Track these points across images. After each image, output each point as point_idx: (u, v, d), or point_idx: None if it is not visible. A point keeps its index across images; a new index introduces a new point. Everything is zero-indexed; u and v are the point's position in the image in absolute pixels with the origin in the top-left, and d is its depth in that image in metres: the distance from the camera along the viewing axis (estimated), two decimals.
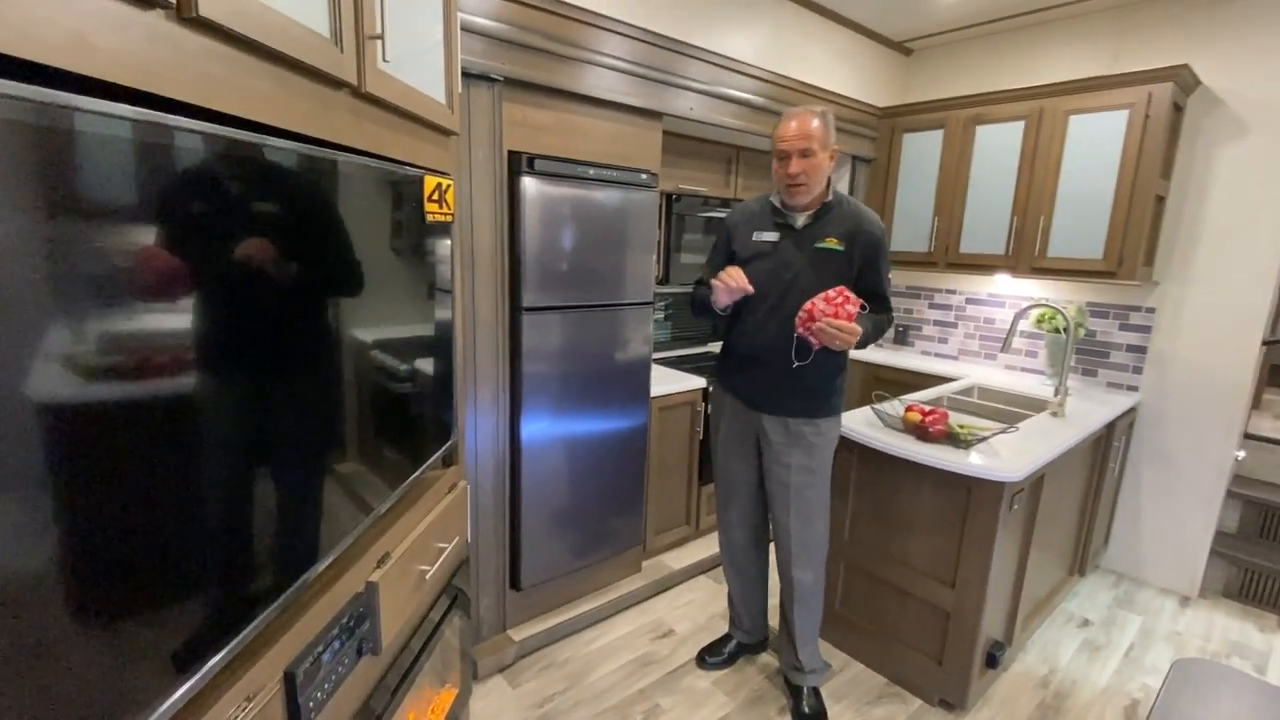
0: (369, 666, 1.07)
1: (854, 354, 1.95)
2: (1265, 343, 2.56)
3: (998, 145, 2.81)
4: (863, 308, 1.64)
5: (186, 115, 0.61)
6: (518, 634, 2.15)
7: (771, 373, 1.77)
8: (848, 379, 1.90)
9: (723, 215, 3.01)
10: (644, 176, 2.18)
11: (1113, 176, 2.48)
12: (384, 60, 0.96)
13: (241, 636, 0.74)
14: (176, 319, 0.65)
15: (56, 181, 0.51)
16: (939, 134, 2.99)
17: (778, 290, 1.73)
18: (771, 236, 1.78)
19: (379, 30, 0.93)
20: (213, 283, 0.69)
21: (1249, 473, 2.98)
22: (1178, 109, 2.48)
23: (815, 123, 1.66)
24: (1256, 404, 3.38)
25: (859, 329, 1.62)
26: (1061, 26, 2.87)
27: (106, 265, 0.56)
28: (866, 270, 1.75)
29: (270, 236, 0.79)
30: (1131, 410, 2.71)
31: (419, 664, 1.29)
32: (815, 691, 1.96)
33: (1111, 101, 2.46)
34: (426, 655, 1.33)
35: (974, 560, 1.87)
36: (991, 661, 2.03)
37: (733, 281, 1.68)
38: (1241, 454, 2.72)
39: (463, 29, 1.57)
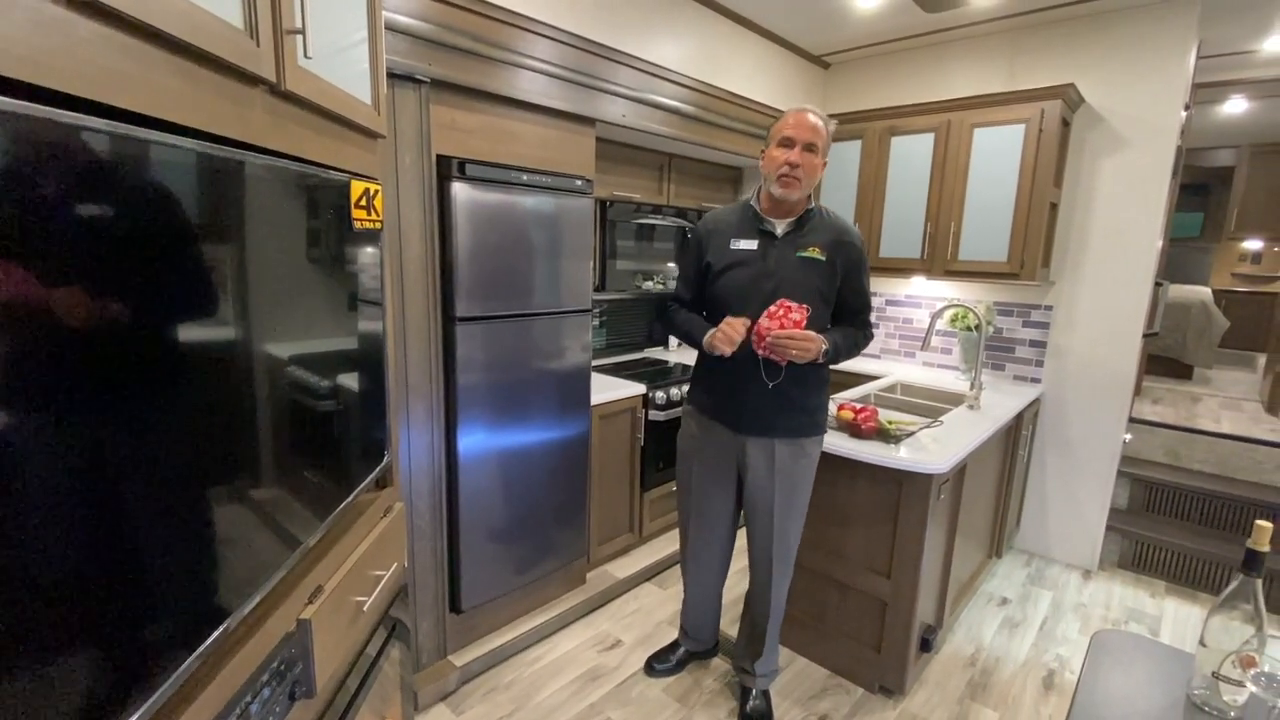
0: (302, 711, 0.99)
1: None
2: (1145, 335, 2.83)
3: (912, 155, 2.98)
4: (808, 311, 1.61)
5: (81, 112, 0.54)
6: (459, 659, 2.06)
7: (755, 392, 1.71)
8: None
9: (655, 222, 3.04)
10: (579, 183, 2.16)
11: (1013, 185, 2.68)
12: (305, 57, 0.89)
13: (156, 696, 0.66)
14: (53, 336, 0.57)
15: None
16: (858, 144, 3.14)
17: (759, 300, 1.65)
18: (750, 245, 1.71)
19: (299, 24, 0.87)
20: (93, 296, 0.61)
21: (1135, 453, 3.29)
22: (1066, 124, 2.71)
23: (820, 122, 1.64)
24: (1138, 390, 3.73)
25: (814, 335, 1.59)
26: (962, 46, 3.08)
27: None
28: (847, 283, 1.72)
29: (167, 244, 0.71)
30: (1036, 400, 2.93)
31: (356, 703, 1.20)
32: (764, 692, 1.98)
33: (1009, 116, 2.66)
34: (364, 692, 1.25)
35: (907, 550, 1.95)
36: (925, 645, 2.12)
37: (736, 335, 1.60)
38: (1129, 436, 2.99)
39: (386, 27, 1.50)
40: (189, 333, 0.75)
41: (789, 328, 1.58)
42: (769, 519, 1.80)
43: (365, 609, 1.16)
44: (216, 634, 0.77)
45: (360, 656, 1.24)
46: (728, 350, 1.64)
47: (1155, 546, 2.91)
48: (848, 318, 1.79)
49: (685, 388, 2.76)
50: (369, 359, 1.29)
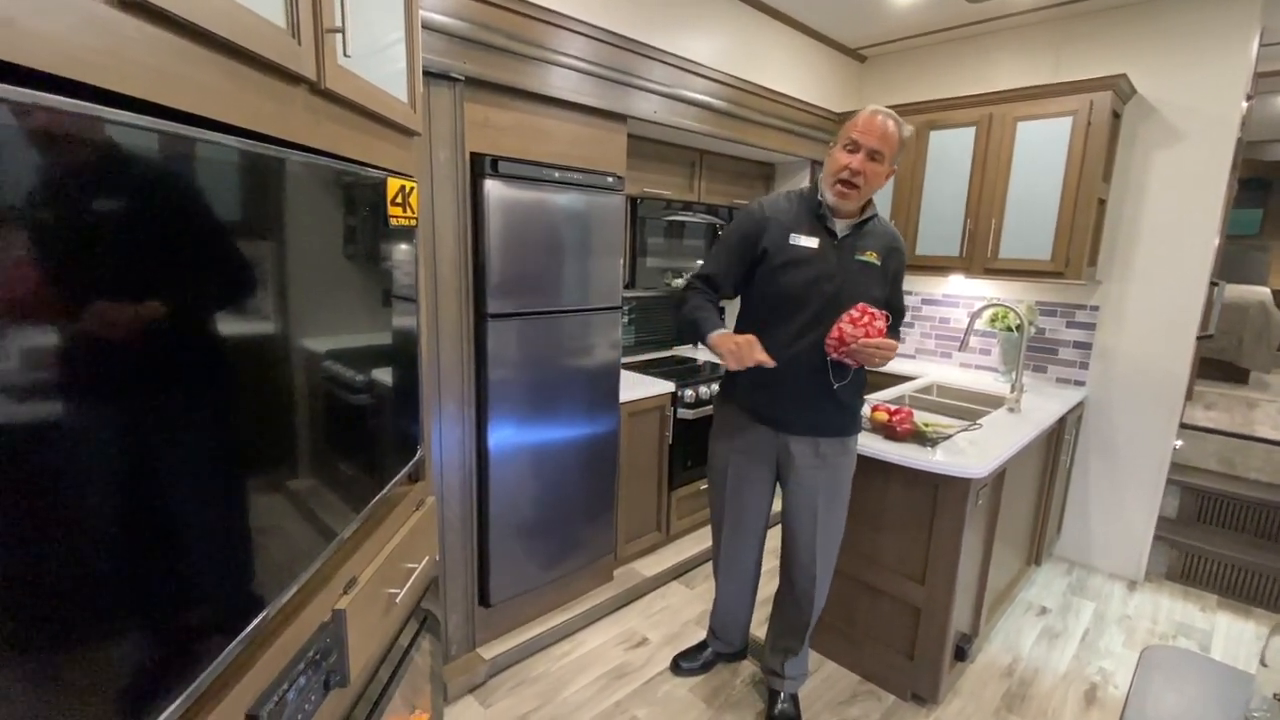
0: (337, 700, 1.01)
1: None
2: (1199, 337, 2.70)
3: (951, 150, 2.89)
4: (886, 319, 1.58)
5: (131, 111, 0.55)
6: (488, 652, 2.08)
7: (803, 391, 1.67)
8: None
9: (685, 219, 3.02)
10: (610, 180, 2.16)
11: (1058, 180, 2.58)
12: (344, 55, 0.91)
13: (199, 680, 0.67)
14: (107, 331, 0.58)
15: None
16: None
17: (817, 303, 1.59)
18: (811, 242, 1.63)
19: (339, 23, 0.88)
20: (144, 292, 0.62)
21: (1186, 460, 3.15)
22: (1116, 116, 2.60)
23: (892, 127, 1.55)
24: (1190, 395, 3.57)
25: (896, 343, 1.60)
26: (1006, 36, 2.98)
27: (24, 273, 0.49)
28: (893, 289, 1.73)
29: (214, 241, 0.73)
30: (1080, 404, 2.83)
31: (389, 692, 1.22)
32: (793, 696, 1.96)
33: (1056, 109, 2.56)
34: (396, 682, 1.26)
35: (942, 556, 1.90)
36: (960, 654, 2.07)
37: (750, 360, 1.52)
38: (1179, 443, 2.87)
39: (423, 26, 1.51)
40: (234, 327, 0.77)
41: (874, 335, 1.54)
42: (812, 518, 1.77)
43: (398, 600, 1.18)
44: (256, 621, 0.78)
45: (393, 647, 1.26)
46: (733, 366, 1.57)
47: (1207, 558, 2.78)
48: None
49: (714, 386, 2.76)
50: (403, 354, 1.30)
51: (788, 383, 1.67)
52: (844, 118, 3.22)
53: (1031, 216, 2.68)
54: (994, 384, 2.92)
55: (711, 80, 2.52)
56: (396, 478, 1.27)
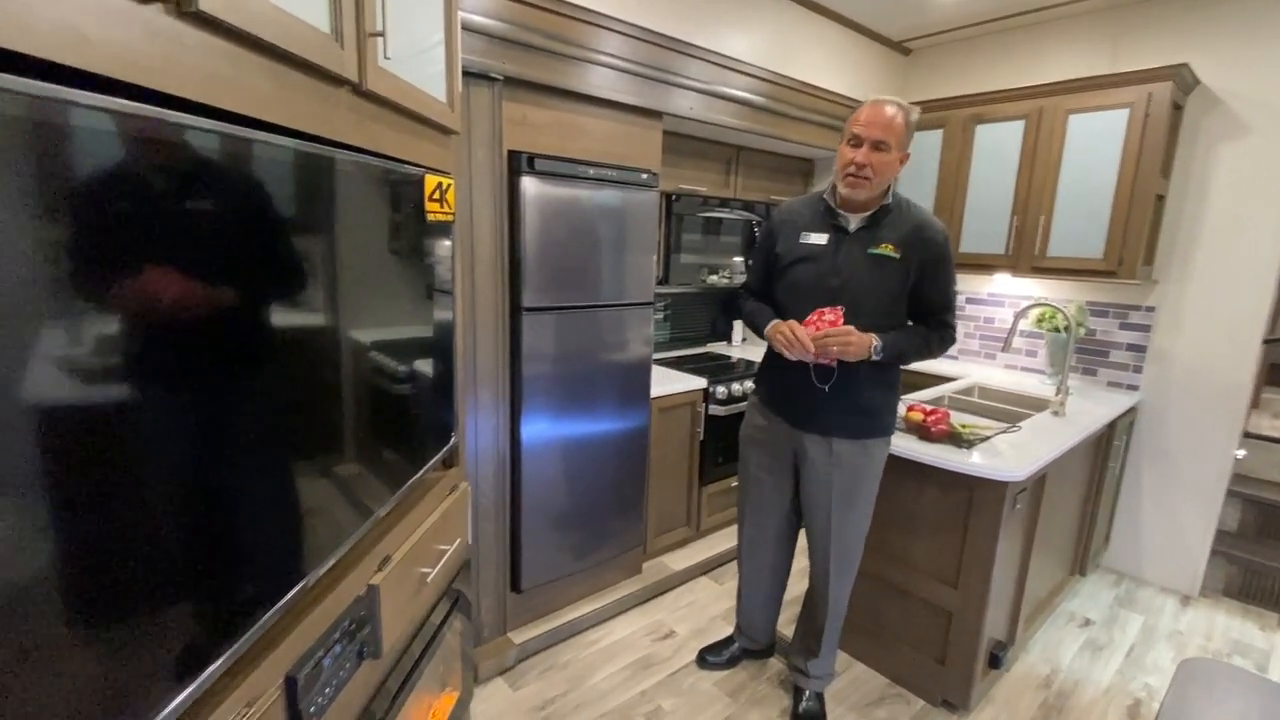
0: (370, 671, 1.06)
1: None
2: (1265, 341, 2.56)
3: (997, 144, 2.81)
4: (839, 313, 1.58)
5: (184, 112, 0.60)
6: (518, 636, 2.14)
7: (812, 389, 1.67)
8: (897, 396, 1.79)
9: (722, 215, 3.01)
10: (644, 176, 2.18)
11: (1113, 175, 2.48)
12: (385, 58, 0.95)
13: (242, 641, 0.73)
14: (170, 320, 0.63)
15: (50, 178, 0.49)
16: (938, 134, 2.99)
17: (823, 298, 1.61)
18: (820, 239, 1.65)
19: (380, 27, 0.92)
20: (208, 284, 0.68)
21: (1249, 471, 2.98)
22: (1177, 108, 2.48)
23: (895, 114, 1.53)
24: (1255, 403, 3.38)
25: (851, 329, 1.55)
26: (1059, 26, 2.87)
27: (98, 264, 0.54)
28: (925, 281, 1.63)
29: (270, 235, 0.78)
30: (1132, 409, 2.71)
31: (420, 668, 1.28)
32: (818, 694, 1.95)
33: (1111, 100, 2.46)
34: (428, 659, 1.32)
35: (977, 560, 1.86)
36: (994, 662, 2.02)
37: (796, 346, 1.58)
38: (1242, 453, 2.72)
39: (463, 27, 1.56)
40: (286, 317, 0.82)
41: (824, 328, 1.57)
42: (825, 517, 1.76)
43: (429, 580, 1.23)
44: (296, 590, 0.84)
45: (424, 624, 1.32)
46: (786, 353, 1.63)
47: (1269, 575, 2.63)
48: (924, 316, 1.70)
49: (748, 383, 2.75)
50: (439, 345, 1.35)
51: (798, 380, 1.69)
52: None
53: (1083, 213, 2.58)
54: (1039, 386, 2.82)
55: (750, 76, 2.51)
56: (431, 462, 1.32)
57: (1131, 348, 2.79)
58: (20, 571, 0.49)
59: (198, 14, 0.61)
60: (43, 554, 0.51)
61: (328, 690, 0.90)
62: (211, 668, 0.68)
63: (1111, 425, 2.50)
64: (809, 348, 1.57)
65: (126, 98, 0.54)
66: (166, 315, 0.62)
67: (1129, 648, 2.34)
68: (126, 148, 0.56)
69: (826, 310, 1.60)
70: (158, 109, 0.57)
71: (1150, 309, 2.73)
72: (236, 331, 0.74)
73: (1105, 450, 2.58)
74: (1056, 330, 2.82)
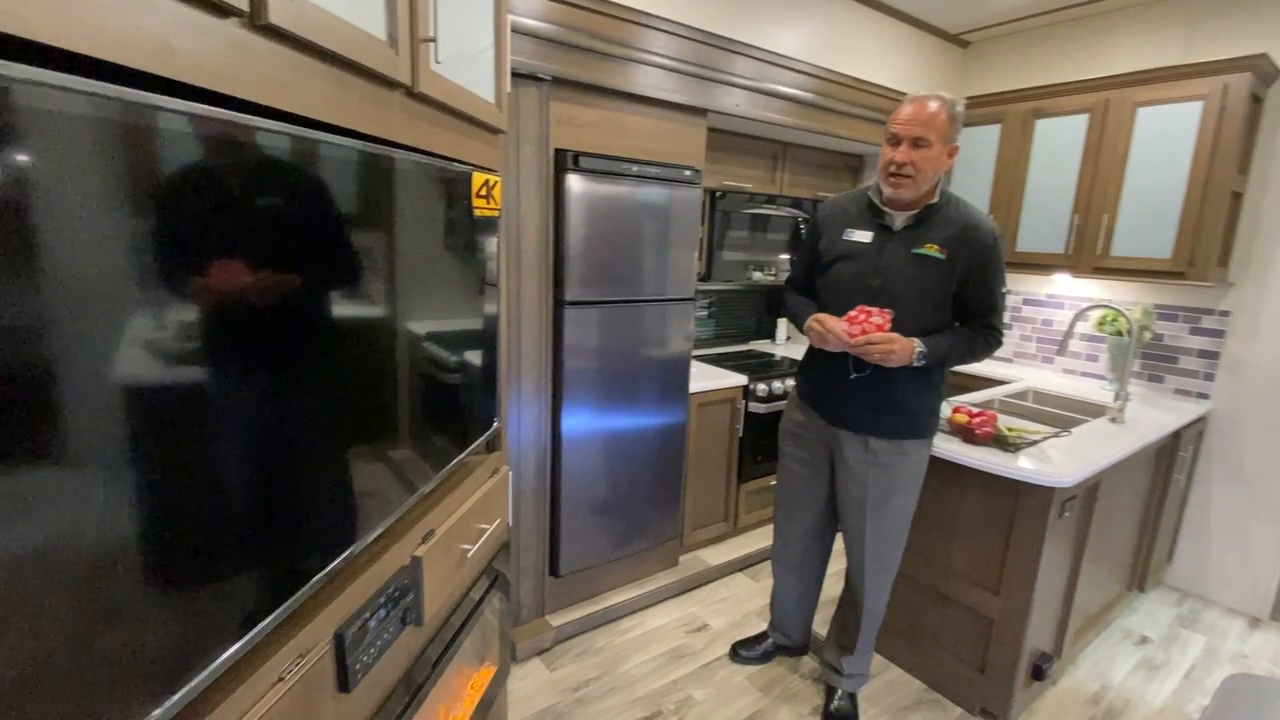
0: (412, 637, 1.13)
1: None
2: None
3: (1059, 140, 2.70)
4: (887, 316, 1.54)
5: (256, 116, 0.67)
6: (556, 620, 2.20)
7: (851, 387, 1.66)
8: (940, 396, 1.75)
9: (769, 212, 3.00)
10: (687, 173, 2.20)
11: (1184, 172, 2.35)
12: (436, 62, 1.01)
13: (297, 597, 0.80)
14: (245, 308, 0.71)
15: (139, 176, 0.56)
16: (996, 129, 2.90)
17: (864, 298, 1.59)
18: (864, 237, 1.64)
19: (432, 33, 0.98)
20: (279, 275, 0.75)
21: None
22: (1256, 100, 2.33)
23: (937, 109, 1.50)
24: None
25: (898, 336, 1.53)
26: (1128, 15, 2.73)
27: (181, 256, 0.61)
28: (972, 282, 1.59)
29: (331, 230, 0.85)
30: (1201, 419, 2.56)
31: (459, 639, 1.35)
32: (850, 695, 1.94)
33: (1183, 93, 2.33)
34: (466, 631, 1.39)
35: (1020, 567, 1.81)
36: (1038, 673, 1.96)
37: (830, 339, 1.59)
38: None
39: (512, 30, 1.62)
40: (345, 305, 0.90)
41: (870, 332, 1.54)
42: (860, 517, 1.75)
43: (469, 556, 1.30)
44: (346, 554, 0.91)
45: (465, 599, 1.39)
46: (819, 344, 1.64)
47: None
48: (969, 319, 1.66)
49: (790, 381, 2.74)
50: (484, 334, 1.42)
51: (834, 375, 1.69)
52: None
53: (1150, 211, 2.45)
54: (1099, 392, 2.70)
55: (798, 72, 2.49)
56: (474, 445, 1.39)
57: (1203, 354, 2.64)
58: (112, 535, 0.56)
59: (268, 26, 0.68)
60: (131, 520, 0.58)
61: (372, 650, 0.97)
62: (270, 617, 0.75)
63: (1176, 435, 2.38)
64: (843, 338, 1.56)
65: (201, 103, 0.61)
66: (243, 304, 0.70)
67: (1188, 669, 2.22)
68: (209, 149, 0.63)
69: (874, 311, 1.56)
70: (242, 115, 0.64)
71: (1225, 313, 2.57)
72: (301, 318, 0.81)
73: (1170, 461, 2.45)
74: (1119, 334, 2.69)
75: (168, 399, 0.63)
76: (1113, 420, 2.23)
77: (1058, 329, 3.06)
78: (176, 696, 0.62)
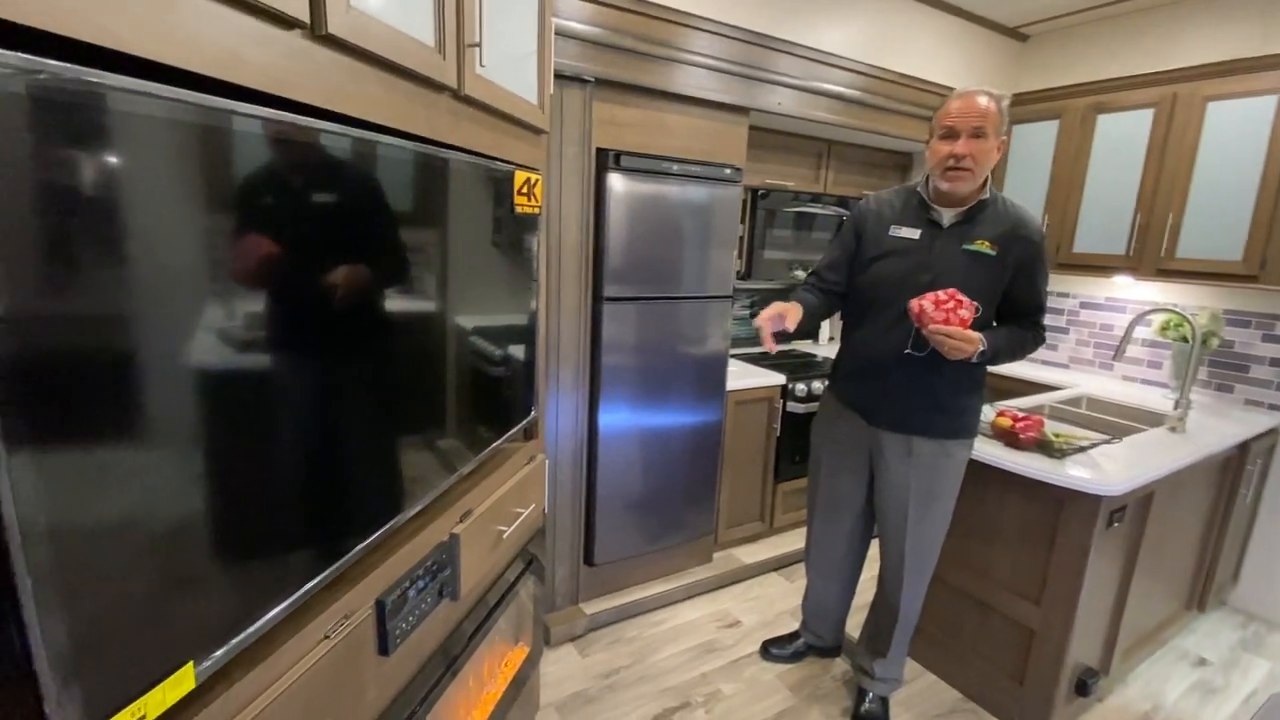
0: (449, 611, 1.20)
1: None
2: None
3: (1121, 136, 2.59)
4: (977, 311, 1.50)
5: (313, 118, 0.74)
6: (589, 608, 2.26)
7: (894, 385, 1.64)
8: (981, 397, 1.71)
9: (815, 210, 2.98)
10: (728, 171, 2.21)
11: (1257, 170, 2.22)
12: (480, 66, 1.07)
13: (343, 561, 0.87)
14: (307, 299, 0.78)
15: (213, 175, 0.63)
16: (1054, 125, 2.80)
17: (914, 294, 1.55)
18: (912, 233, 1.62)
19: (477, 39, 1.04)
20: (338, 268, 0.82)
21: None
22: None
23: (989, 102, 1.48)
24: None
25: (975, 336, 1.47)
26: (1201, 4, 2.58)
27: (251, 250, 0.68)
28: (1020, 280, 1.57)
29: (381, 225, 0.92)
30: (1271, 432, 2.41)
31: (494, 616, 1.41)
32: (882, 699, 1.92)
33: (1259, 86, 2.20)
34: (501, 609, 1.45)
35: (1063, 578, 1.76)
36: (1082, 689, 1.90)
37: (766, 323, 1.52)
38: None
39: (557, 33, 1.68)
40: (393, 295, 0.97)
41: (954, 324, 1.48)
42: (901, 519, 1.73)
43: (505, 537, 1.36)
44: (388, 526, 0.98)
45: (500, 579, 1.45)
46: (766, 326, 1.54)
47: None
48: (1016, 317, 1.64)
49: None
50: (524, 327, 1.48)
51: (880, 375, 1.66)
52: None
53: (1220, 210, 2.33)
54: (1160, 401, 2.57)
55: (845, 70, 2.47)
56: (511, 431, 1.45)
57: (1276, 363, 2.48)
58: (184, 508, 0.63)
59: (327, 36, 0.74)
60: (202, 493, 0.65)
61: (411, 618, 1.03)
62: (319, 578, 0.82)
63: (1243, 447, 2.25)
64: (761, 326, 1.52)
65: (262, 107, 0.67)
66: (305, 295, 0.77)
67: (1248, 694, 2.10)
68: (281, 151, 0.69)
69: (965, 303, 1.49)
70: (309, 119, 0.71)
71: None
72: (357, 309, 0.88)
73: (1236, 475, 2.32)
74: (1183, 340, 2.56)
75: (240, 383, 0.70)
76: (1172, 430, 2.13)
77: (1117, 334, 2.93)
78: (241, 636, 0.69)
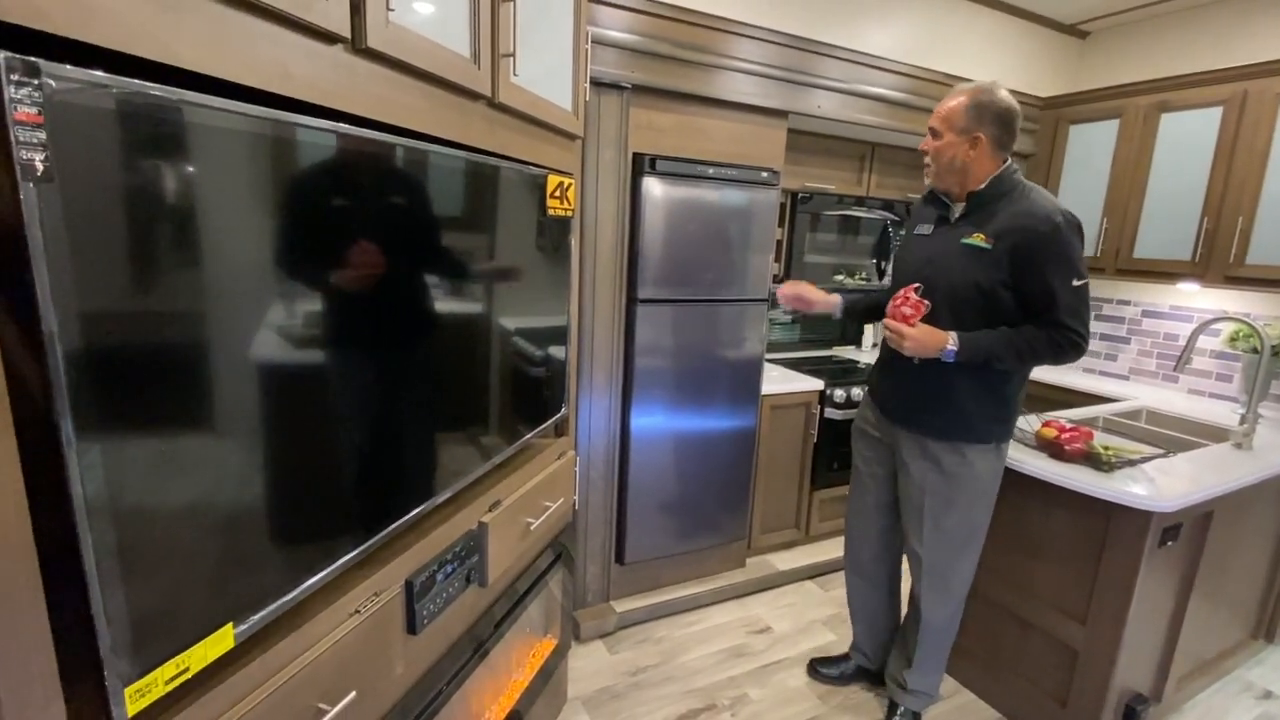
0: (477, 597, 1.24)
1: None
2: None
3: (1187, 135, 2.46)
4: (926, 308, 1.55)
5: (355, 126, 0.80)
6: (620, 606, 2.28)
7: (902, 381, 1.66)
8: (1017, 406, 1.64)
9: (859, 214, 2.94)
10: (765, 175, 2.21)
11: None
12: (514, 75, 1.12)
13: (375, 540, 0.92)
14: (359, 299, 0.84)
15: (275, 181, 0.69)
16: (1114, 124, 2.68)
17: (909, 285, 1.62)
18: (926, 228, 1.68)
19: (511, 49, 1.09)
20: (390, 269, 0.88)
21: None
22: None
23: (955, 100, 1.54)
24: None
25: (928, 332, 1.51)
26: None
27: (308, 252, 0.75)
28: (1021, 272, 1.47)
29: (434, 228, 0.98)
30: None
31: (522, 605, 1.46)
32: (914, 714, 1.87)
33: None
34: (530, 599, 1.50)
35: (1110, 597, 1.68)
36: (1130, 716, 1.81)
37: (787, 296, 1.84)
38: None
39: (596, 42, 1.72)
40: (442, 294, 1.03)
41: (897, 320, 1.57)
42: (917, 523, 1.70)
43: (533, 529, 1.40)
44: (419, 510, 1.03)
45: (529, 569, 1.49)
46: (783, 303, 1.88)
47: None
48: (1032, 316, 1.51)
49: None
50: (557, 325, 1.52)
51: (891, 369, 1.70)
52: (1052, 103, 2.89)
53: None
54: (1227, 416, 2.42)
55: (890, 72, 2.44)
56: (543, 426, 1.49)
57: None
58: (243, 495, 0.70)
59: (368, 49, 0.80)
60: (261, 482, 0.72)
61: (439, 600, 1.08)
62: (354, 552, 0.87)
63: None
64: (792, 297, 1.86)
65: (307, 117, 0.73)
66: (358, 295, 0.83)
67: None
68: (338, 160, 0.76)
69: (911, 300, 1.58)
70: (358, 128, 0.78)
71: None
72: (395, 303, 0.94)
73: None
74: (1254, 351, 2.41)
75: (302, 375, 0.77)
76: (1237, 446, 2.01)
77: (1182, 344, 2.77)
78: (278, 603, 0.75)
